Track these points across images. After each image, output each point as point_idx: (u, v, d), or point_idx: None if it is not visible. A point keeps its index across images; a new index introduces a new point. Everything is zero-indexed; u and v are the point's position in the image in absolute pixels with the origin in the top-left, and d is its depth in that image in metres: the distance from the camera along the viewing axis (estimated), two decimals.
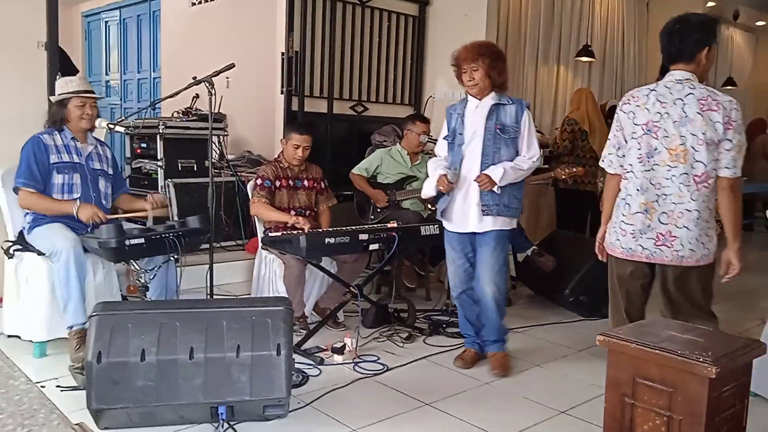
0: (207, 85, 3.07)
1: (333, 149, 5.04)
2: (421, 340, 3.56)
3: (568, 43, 6.97)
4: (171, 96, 3.16)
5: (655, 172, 2.32)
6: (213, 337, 2.32)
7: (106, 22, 9.06)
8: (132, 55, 8.70)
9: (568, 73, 7.06)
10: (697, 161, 2.28)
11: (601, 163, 2.54)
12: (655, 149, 2.30)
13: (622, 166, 2.42)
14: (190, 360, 2.27)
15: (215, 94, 3.09)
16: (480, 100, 3.01)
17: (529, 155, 3.01)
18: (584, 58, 6.89)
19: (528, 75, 6.57)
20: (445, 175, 3.00)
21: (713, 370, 1.40)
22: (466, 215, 3.05)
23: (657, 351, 1.38)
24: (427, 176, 3.18)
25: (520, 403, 2.83)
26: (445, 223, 3.16)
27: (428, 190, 3.14)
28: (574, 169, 4.60)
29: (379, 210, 4.34)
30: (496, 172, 2.92)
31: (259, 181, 3.65)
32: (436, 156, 3.23)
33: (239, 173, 4.80)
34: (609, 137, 2.49)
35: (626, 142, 2.39)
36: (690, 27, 2.32)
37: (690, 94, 2.29)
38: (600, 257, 2.68)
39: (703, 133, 2.25)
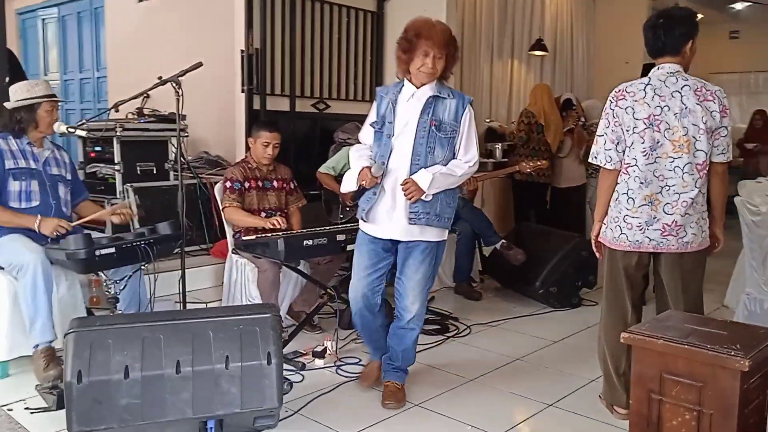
0: (174, 84, 2.95)
1: (296, 148, 4.94)
2: None
3: (521, 38, 7.04)
4: (136, 96, 3.01)
5: (657, 165, 2.35)
6: (200, 348, 2.22)
7: (44, 19, 8.63)
8: (72, 54, 8.32)
9: (522, 66, 7.14)
10: (698, 150, 2.34)
11: (593, 160, 2.53)
12: (658, 142, 2.34)
13: (621, 161, 2.44)
14: (177, 374, 2.17)
15: (182, 95, 2.97)
16: (418, 88, 2.58)
17: (466, 159, 2.62)
18: (537, 52, 6.99)
19: (484, 69, 6.61)
20: (369, 167, 2.56)
21: (746, 363, 1.42)
22: (391, 218, 2.60)
23: (685, 346, 1.39)
24: None
25: (507, 398, 2.84)
26: (361, 224, 2.70)
27: (349, 184, 2.65)
28: (539, 162, 4.68)
29: (348, 208, 4.27)
30: (424, 179, 2.51)
31: (228, 184, 3.53)
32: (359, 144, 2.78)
33: (200, 175, 4.64)
34: (602, 133, 2.48)
35: (624, 137, 2.41)
36: (674, 21, 2.37)
37: (686, 85, 2.35)
38: (597, 254, 2.68)
39: (704, 123, 2.32)
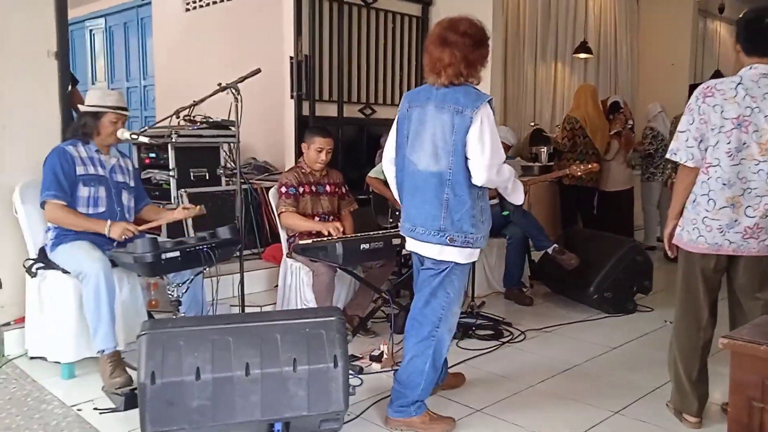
0: (233, 91, 2.99)
1: (344, 153, 4.97)
2: (455, 343, 3.50)
3: (565, 40, 6.98)
4: (198, 103, 3.07)
5: (741, 167, 2.29)
6: (268, 351, 2.23)
7: (91, 30, 8.88)
8: (119, 63, 8.54)
9: (566, 69, 7.07)
10: None
11: (672, 156, 2.44)
12: (744, 143, 2.27)
13: (703, 159, 2.37)
14: (246, 376, 2.18)
15: (241, 101, 3.01)
16: None
17: None
18: (582, 55, 6.91)
19: (528, 72, 6.56)
20: None
21: None
22: None
23: None
24: None
25: (571, 406, 2.78)
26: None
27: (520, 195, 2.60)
28: (590, 166, 4.60)
29: (397, 213, 4.27)
30: None
31: (283, 189, 3.56)
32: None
33: (250, 181, 4.70)
34: (684, 129, 2.40)
35: (709, 135, 2.34)
36: None
37: None
38: (669, 254, 2.61)
39: None
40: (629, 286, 4.26)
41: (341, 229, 3.40)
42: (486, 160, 2.31)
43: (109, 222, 2.92)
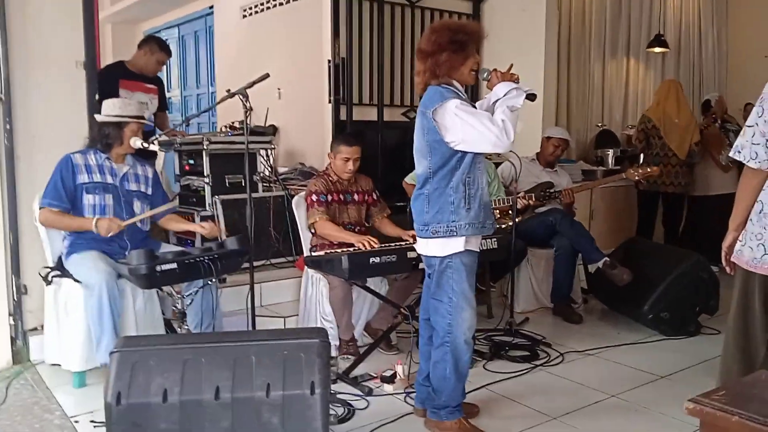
0: (241, 97, 2.89)
1: (385, 158, 4.79)
2: (481, 365, 3.25)
3: (638, 34, 6.46)
4: (204, 111, 3.10)
5: None
6: (241, 374, 2.09)
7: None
8: (191, 70, 8.79)
9: (639, 65, 6.54)
10: None
11: (736, 155, 2.11)
12: None
13: None
14: (215, 400, 2.05)
15: (250, 107, 2.90)
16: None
17: None
18: (657, 49, 6.36)
19: (595, 69, 6.11)
20: None
21: None
22: None
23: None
24: None
25: None
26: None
27: None
28: (648, 169, 4.19)
29: None
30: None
31: (315, 198, 3.41)
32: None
33: (289, 186, 4.62)
34: (752, 124, 2.06)
35: None
36: None
37: None
38: (727, 270, 2.26)
39: None
40: (691, 305, 3.81)
41: (375, 245, 3.20)
42: (489, 135, 2.31)
43: (95, 218, 2.91)
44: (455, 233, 2.38)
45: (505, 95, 2.36)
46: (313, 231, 3.47)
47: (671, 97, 5.22)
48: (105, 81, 3.88)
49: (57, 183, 2.93)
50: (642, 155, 5.42)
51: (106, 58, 5.65)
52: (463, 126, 2.33)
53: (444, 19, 2.44)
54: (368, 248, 3.14)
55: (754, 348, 2.14)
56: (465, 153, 2.37)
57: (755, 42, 7.01)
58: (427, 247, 2.47)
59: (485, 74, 2.46)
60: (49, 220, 2.98)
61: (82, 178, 2.97)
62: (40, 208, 2.97)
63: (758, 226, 2.07)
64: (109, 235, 2.89)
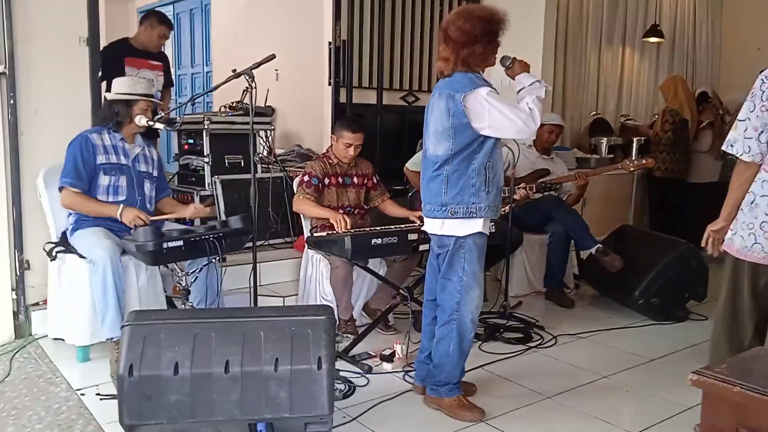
0: (247, 78, 2.91)
1: (383, 142, 4.83)
2: (477, 346, 3.32)
3: (635, 24, 6.51)
4: (210, 91, 3.07)
5: None
6: (250, 349, 2.15)
7: None
8: (185, 49, 8.73)
9: (635, 55, 6.60)
10: None
11: (728, 148, 2.17)
12: None
13: (763, 154, 2.07)
14: (225, 374, 2.11)
15: (255, 87, 2.92)
16: None
17: None
18: (652, 39, 6.42)
19: (591, 58, 6.16)
20: None
21: None
22: None
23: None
24: None
25: (585, 421, 2.56)
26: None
27: None
28: (644, 161, 4.27)
29: None
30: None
31: (306, 178, 3.47)
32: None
33: (288, 168, 4.65)
34: (744, 118, 2.11)
35: None
36: None
37: None
38: (709, 251, 2.35)
39: None
40: (680, 292, 3.91)
41: (348, 224, 3.25)
42: (518, 122, 2.39)
43: (121, 206, 2.94)
44: (475, 215, 2.45)
45: (530, 85, 2.47)
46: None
47: (680, 91, 5.52)
48: (110, 59, 3.88)
49: (78, 162, 2.92)
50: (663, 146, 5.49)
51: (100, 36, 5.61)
52: (492, 112, 2.39)
53: (469, 5, 2.41)
54: (342, 226, 3.20)
55: (742, 332, 2.23)
56: (486, 138, 2.44)
57: (748, 34, 7.09)
58: (442, 226, 2.50)
59: (508, 62, 2.56)
60: (73, 203, 2.95)
61: (101, 158, 2.98)
62: (60, 189, 2.96)
63: (749, 216, 2.14)
64: (132, 225, 2.90)
